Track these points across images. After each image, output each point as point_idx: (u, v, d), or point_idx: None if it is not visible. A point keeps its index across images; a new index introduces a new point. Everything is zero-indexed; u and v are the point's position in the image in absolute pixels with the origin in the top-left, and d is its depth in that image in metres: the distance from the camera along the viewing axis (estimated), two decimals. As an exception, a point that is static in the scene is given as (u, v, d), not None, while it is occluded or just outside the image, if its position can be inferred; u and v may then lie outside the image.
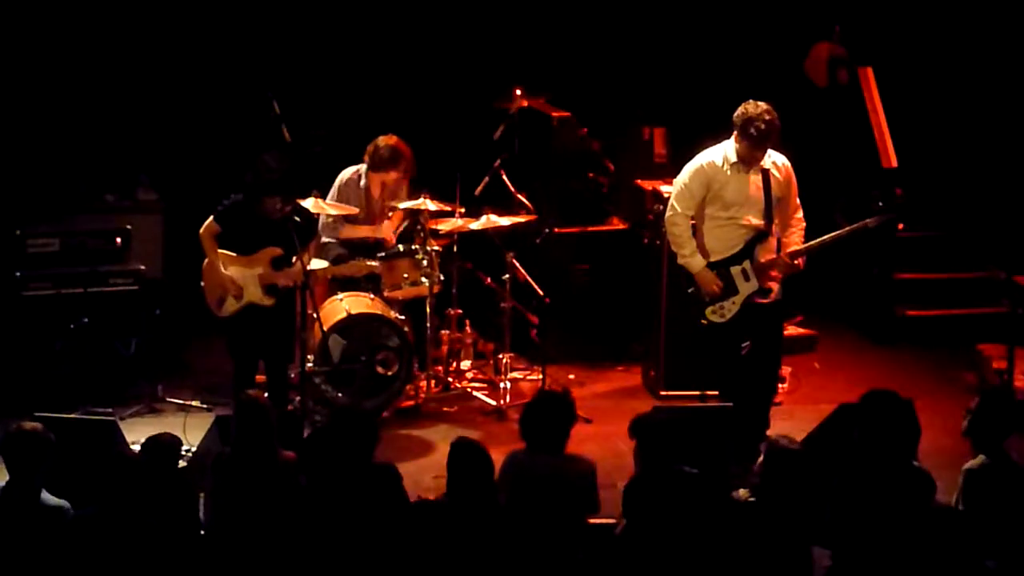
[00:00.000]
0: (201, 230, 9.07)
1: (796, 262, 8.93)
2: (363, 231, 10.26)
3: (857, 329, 11.81)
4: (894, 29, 12.18)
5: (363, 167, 10.34)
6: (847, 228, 9.03)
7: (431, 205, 10.04)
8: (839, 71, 12.12)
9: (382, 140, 10.25)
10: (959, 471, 6.94)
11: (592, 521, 6.99)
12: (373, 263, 9.75)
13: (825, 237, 9.00)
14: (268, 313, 9.04)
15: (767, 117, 8.73)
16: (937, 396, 10.07)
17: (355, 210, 10.22)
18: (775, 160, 8.96)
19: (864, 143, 11.87)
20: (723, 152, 8.92)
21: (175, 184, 11.30)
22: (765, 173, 8.89)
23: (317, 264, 9.55)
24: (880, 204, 10.16)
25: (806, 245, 8.96)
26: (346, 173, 10.39)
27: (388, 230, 10.37)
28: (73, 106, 11.42)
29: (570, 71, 12.00)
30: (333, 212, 10.08)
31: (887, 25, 12.18)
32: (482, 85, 11.70)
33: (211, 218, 9.06)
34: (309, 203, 9.75)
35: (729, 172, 8.88)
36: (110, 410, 9.36)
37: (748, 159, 8.84)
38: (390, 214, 10.38)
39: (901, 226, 9.98)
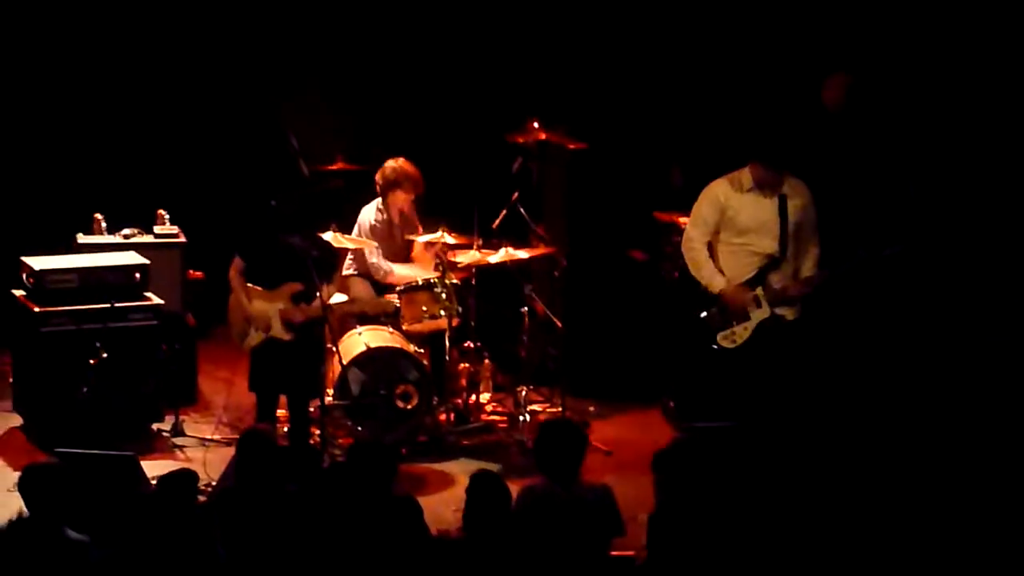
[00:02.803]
0: (230, 270, 9.24)
1: (806, 288, 8.90)
2: (408, 276, 10.28)
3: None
4: (906, 56, 12.16)
5: (379, 200, 10.39)
6: (852, 263, 9.00)
7: (449, 238, 10.08)
8: (854, 99, 12.08)
9: (388, 163, 10.32)
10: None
11: (613, 554, 7.00)
12: (395, 301, 9.77)
13: (839, 267, 8.99)
14: (288, 347, 9.10)
15: (781, 141, 8.79)
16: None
17: (373, 244, 10.26)
18: (794, 185, 8.96)
19: (891, 171, 11.82)
20: (739, 178, 8.96)
21: (194, 219, 11.35)
22: (782, 199, 8.91)
23: (338, 299, 9.60)
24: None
25: (815, 276, 8.94)
26: (368, 212, 10.43)
27: (428, 265, 10.40)
28: (92, 140, 11.49)
29: (591, 102, 12.02)
30: (350, 246, 10.13)
31: (900, 53, 12.17)
32: (499, 118, 11.75)
33: (236, 256, 9.20)
34: (328, 237, 9.81)
35: (744, 197, 8.89)
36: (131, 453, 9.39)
37: (766, 183, 8.86)
38: (414, 243, 10.44)
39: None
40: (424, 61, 12.09)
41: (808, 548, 6.62)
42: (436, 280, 10.02)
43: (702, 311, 9.02)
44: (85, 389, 9.71)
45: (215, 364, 10.92)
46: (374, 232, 10.38)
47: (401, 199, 10.33)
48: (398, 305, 9.85)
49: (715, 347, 8.98)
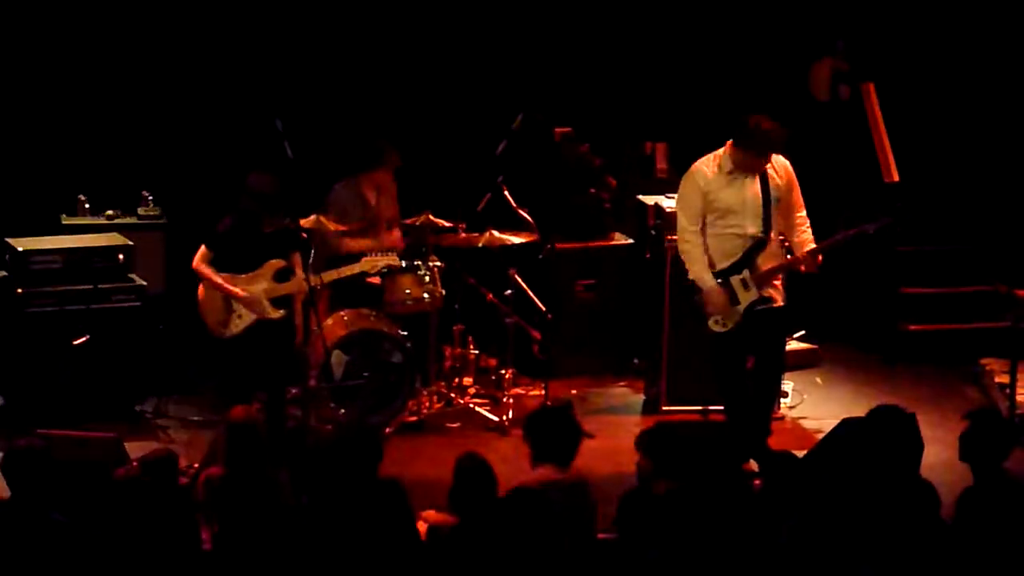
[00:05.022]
0: (195, 261, 9.10)
1: (818, 259, 8.82)
2: (365, 243, 10.22)
3: (859, 344, 11.79)
4: (896, 44, 12.18)
5: (352, 179, 10.33)
6: (847, 232, 8.94)
7: (434, 221, 10.06)
8: (841, 86, 12.12)
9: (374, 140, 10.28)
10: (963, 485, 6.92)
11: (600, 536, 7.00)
12: (390, 259, 9.66)
13: (831, 240, 8.94)
14: (276, 328, 9.05)
15: (773, 126, 8.68)
16: (941, 410, 10.06)
17: (353, 227, 10.19)
18: (772, 161, 8.84)
19: (866, 158, 11.87)
20: (716, 160, 8.85)
21: (177, 200, 11.30)
22: (763, 176, 8.79)
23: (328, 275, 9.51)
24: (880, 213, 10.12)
25: (821, 244, 8.84)
26: (339, 185, 10.38)
27: (396, 237, 10.34)
28: (75, 121, 11.42)
29: (571, 86, 12.00)
30: (341, 227, 10.07)
31: (889, 40, 12.18)
32: (483, 101, 11.71)
33: (203, 246, 9.09)
34: (309, 222, 9.75)
35: (724, 178, 8.80)
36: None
37: (748, 167, 8.77)
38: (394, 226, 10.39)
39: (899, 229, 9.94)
40: (408, 45, 12.03)
41: (787, 538, 6.58)
42: (420, 263, 9.98)
43: (694, 294, 8.93)
44: (68, 370, 9.65)
45: (201, 348, 10.85)
46: (344, 197, 10.28)
47: (382, 178, 10.28)
48: (391, 259, 9.67)
49: (705, 332, 8.88)
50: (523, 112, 10.53)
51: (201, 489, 7.19)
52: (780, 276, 8.92)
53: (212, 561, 6.86)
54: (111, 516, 6.61)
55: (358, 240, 10.23)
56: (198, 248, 9.13)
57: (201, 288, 9.17)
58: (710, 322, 8.86)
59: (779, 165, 8.89)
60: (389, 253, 9.77)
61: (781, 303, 8.93)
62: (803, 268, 8.83)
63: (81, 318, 9.82)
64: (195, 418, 9.99)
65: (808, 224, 8.94)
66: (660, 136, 11.83)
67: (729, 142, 8.80)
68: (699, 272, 8.87)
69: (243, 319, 9.08)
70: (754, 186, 8.79)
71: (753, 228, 8.81)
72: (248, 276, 9.09)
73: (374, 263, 9.54)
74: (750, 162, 8.73)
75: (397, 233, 10.39)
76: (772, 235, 8.86)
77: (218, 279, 9.02)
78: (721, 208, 8.81)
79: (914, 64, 12.18)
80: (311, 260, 9.48)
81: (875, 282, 11.78)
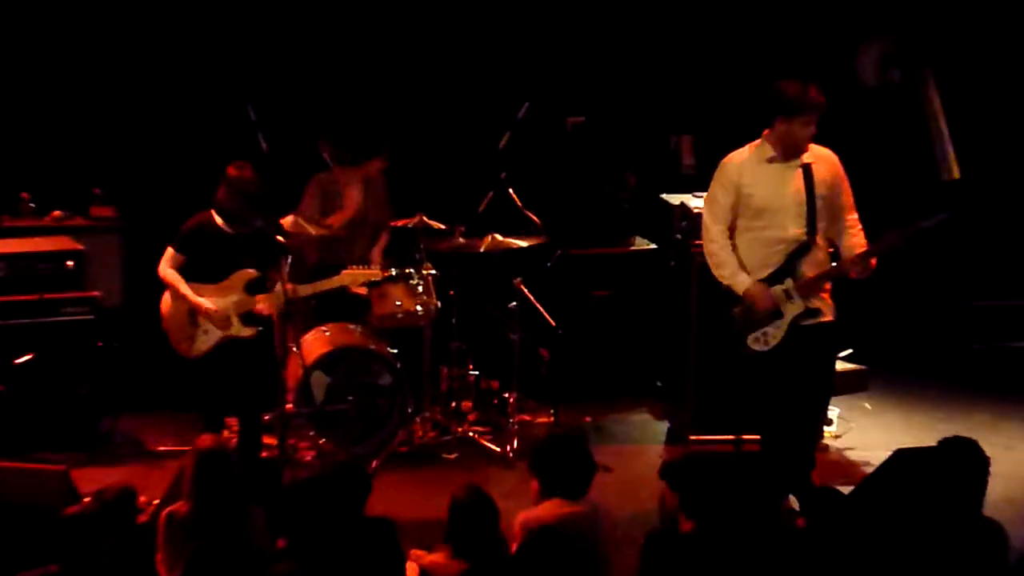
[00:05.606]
0: (160, 266, 9.09)
1: (871, 263, 8.67)
2: (312, 227, 10.12)
3: (914, 365, 11.80)
4: (956, 22, 12.19)
5: (335, 173, 10.39)
6: (903, 230, 8.82)
7: (428, 223, 10.09)
8: (892, 71, 12.14)
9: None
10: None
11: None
12: (373, 272, 9.70)
13: (885, 240, 8.78)
14: (247, 347, 9.08)
15: (808, 83, 8.62)
16: (1006, 440, 10.08)
17: (334, 229, 10.21)
18: (818, 153, 8.76)
19: (922, 152, 11.89)
20: (755, 148, 8.77)
21: (135, 199, 11.31)
22: (807, 170, 8.68)
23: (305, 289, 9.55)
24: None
25: (873, 246, 8.67)
26: (319, 176, 10.41)
27: (376, 253, 10.37)
28: (16, 110, 11.43)
29: (583, 70, 12.03)
30: (323, 231, 10.10)
31: (948, 17, 12.20)
32: (484, 87, 11.74)
33: (170, 248, 9.08)
34: (287, 222, 9.78)
35: (762, 170, 8.71)
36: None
37: (794, 144, 8.63)
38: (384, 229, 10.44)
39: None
40: (401, 23, 12.07)
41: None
42: (412, 270, 10.01)
43: (730, 309, 8.87)
44: (10, 393, 9.67)
45: (162, 366, 10.87)
46: (323, 186, 10.31)
47: (371, 169, 10.31)
48: (376, 272, 9.69)
49: (744, 351, 8.81)
50: (529, 100, 10.55)
51: (163, 528, 7.20)
52: (828, 286, 8.87)
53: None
54: (59, 560, 6.62)
55: (304, 223, 10.11)
56: (164, 251, 9.15)
57: (165, 298, 9.18)
58: (749, 340, 8.74)
59: (825, 159, 8.79)
60: (371, 266, 9.79)
61: (830, 317, 8.82)
62: (853, 273, 8.72)
63: (25, 333, 9.83)
64: (157, 448, 9.99)
65: (860, 228, 8.82)
66: (685, 128, 11.85)
67: (766, 131, 8.74)
68: (731, 273, 8.78)
69: (210, 336, 9.09)
70: (796, 180, 8.68)
71: (795, 229, 8.69)
72: (216, 287, 9.09)
73: (356, 277, 9.55)
74: (796, 135, 8.57)
75: (379, 245, 10.39)
76: (818, 238, 8.75)
77: (185, 288, 9.03)
78: (758, 205, 8.71)
79: (977, 44, 12.19)
80: (287, 269, 9.50)
81: (935, 293, 11.78)
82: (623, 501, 8.88)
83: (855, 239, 8.80)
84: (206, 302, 9.02)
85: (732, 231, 8.86)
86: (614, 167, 11.46)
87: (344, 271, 9.55)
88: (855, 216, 8.85)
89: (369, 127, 10.35)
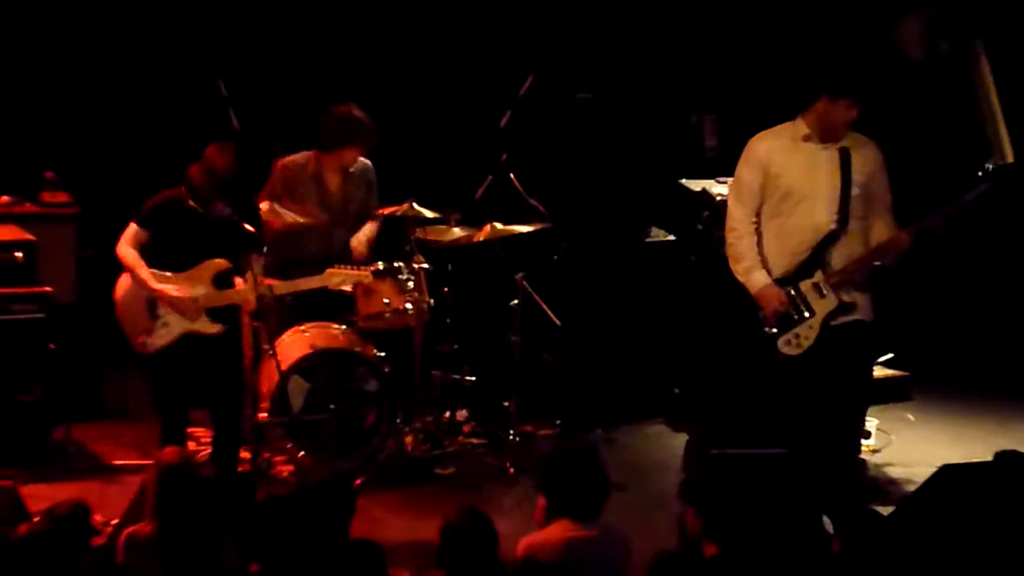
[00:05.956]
0: (120, 245, 9.03)
1: (903, 243, 8.70)
2: (292, 215, 10.09)
3: (966, 369, 11.79)
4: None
5: (310, 153, 10.37)
6: (943, 210, 8.81)
7: (419, 211, 10.07)
8: (940, 42, 12.13)
9: (336, 108, 10.24)
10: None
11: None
12: (360, 274, 9.69)
13: (922, 221, 8.78)
14: (212, 345, 9.05)
15: (867, 70, 8.64)
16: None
17: (321, 218, 10.22)
18: (858, 139, 8.81)
19: (972, 133, 11.88)
20: (789, 128, 8.81)
21: (92, 183, 11.30)
22: (844, 153, 8.73)
23: (283, 287, 9.53)
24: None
25: (910, 228, 8.71)
26: (289, 158, 10.39)
27: (360, 245, 10.36)
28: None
29: (593, 42, 12.02)
30: (300, 219, 10.09)
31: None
32: (484, 61, 11.73)
33: (133, 224, 9.01)
34: (264, 210, 9.77)
35: (794, 150, 8.75)
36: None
37: (831, 127, 8.66)
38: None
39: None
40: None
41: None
42: (401, 264, 10.00)
43: (757, 312, 8.86)
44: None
45: (122, 370, 10.87)
46: (291, 174, 10.31)
47: (350, 158, 10.29)
48: (365, 273, 9.68)
49: (777, 356, 8.80)
50: (533, 74, 10.55)
51: (123, 551, 7.19)
52: (864, 279, 8.86)
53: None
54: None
55: (279, 211, 10.12)
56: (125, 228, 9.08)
57: (121, 283, 9.13)
58: (780, 343, 8.80)
59: (866, 146, 8.83)
60: (360, 267, 9.75)
61: (867, 316, 8.85)
62: (887, 259, 8.75)
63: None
64: (115, 461, 9.98)
65: (892, 227, 8.83)
66: (708, 106, 11.84)
67: (821, 96, 8.74)
68: (747, 269, 8.83)
69: (171, 329, 9.05)
70: (831, 164, 8.73)
71: (826, 217, 8.73)
72: (182, 276, 9.05)
73: (341, 278, 9.54)
74: (835, 118, 8.62)
75: (363, 236, 10.39)
76: (850, 227, 8.76)
77: (145, 272, 8.98)
78: (787, 189, 8.75)
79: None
80: (260, 260, 9.48)
81: (987, 292, 11.77)
82: (639, 523, 8.83)
83: (884, 231, 8.81)
84: (171, 288, 8.98)
85: (758, 218, 8.88)
86: (626, 149, 11.45)
87: (329, 269, 9.55)
88: (890, 218, 8.85)
89: (341, 116, 10.28)
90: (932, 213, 8.66)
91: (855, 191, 8.72)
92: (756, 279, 8.80)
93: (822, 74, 8.65)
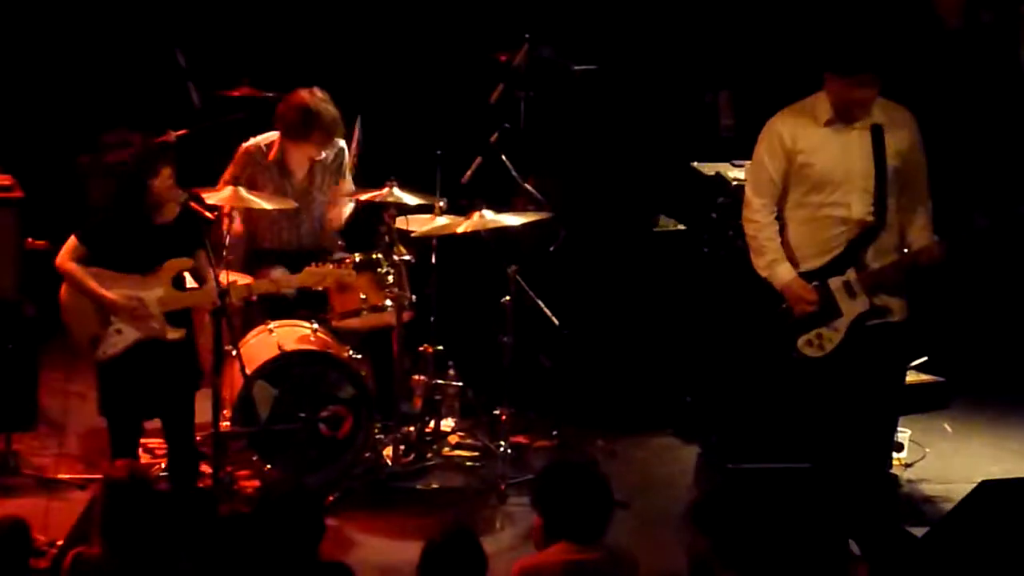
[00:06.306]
0: (59, 258, 9.07)
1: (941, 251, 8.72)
2: (255, 202, 10.04)
3: (1010, 376, 11.80)
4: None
5: (275, 136, 10.40)
6: (988, 224, 8.84)
7: (401, 197, 10.06)
8: (981, 10, 12.13)
9: (296, 95, 10.27)
10: None
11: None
12: (342, 273, 9.67)
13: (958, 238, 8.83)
14: (168, 351, 9.05)
15: (877, 40, 8.63)
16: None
17: (291, 204, 10.23)
18: (892, 112, 8.80)
19: (1016, 110, 11.88)
20: (812, 106, 8.81)
21: (37, 165, 11.28)
22: (877, 131, 8.72)
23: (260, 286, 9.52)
24: None
25: (957, 235, 8.75)
26: (252, 141, 10.41)
27: (336, 213, 10.39)
28: None
29: (599, 8, 12.02)
30: (268, 206, 10.08)
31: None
32: (473, 27, 11.72)
33: (73, 238, 9.07)
34: (225, 195, 9.76)
35: (821, 133, 8.75)
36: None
37: (847, 107, 8.67)
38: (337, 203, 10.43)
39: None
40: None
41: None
42: (380, 256, 9.99)
43: (777, 307, 8.86)
44: None
45: (63, 372, 10.87)
46: (250, 159, 10.31)
47: (312, 150, 10.30)
48: (348, 273, 9.69)
49: (794, 356, 8.82)
50: (528, 42, 10.54)
51: (68, 575, 7.19)
52: (900, 280, 8.86)
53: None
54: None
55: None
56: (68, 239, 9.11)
57: (64, 290, 9.15)
58: (800, 343, 8.81)
59: (900, 121, 8.81)
60: (342, 262, 9.76)
61: (901, 317, 8.88)
62: (923, 258, 8.77)
63: None
64: (59, 475, 9.96)
65: (929, 216, 8.86)
66: (724, 82, 11.83)
67: (826, 76, 8.74)
68: (769, 263, 8.84)
69: (125, 336, 9.07)
70: (863, 146, 8.71)
71: (861, 208, 8.73)
72: (139, 278, 9.06)
73: (320, 277, 9.55)
74: (849, 97, 8.63)
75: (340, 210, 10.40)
76: (888, 219, 8.76)
77: (90, 283, 9.00)
78: (817, 177, 8.75)
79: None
80: (225, 254, 9.48)
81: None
82: (645, 545, 8.84)
83: (919, 222, 8.85)
84: (113, 294, 8.98)
85: (781, 208, 8.89)
86: (633, 129, 11.44)
87: (307, 268, 9.56)
88: (926, 214, 8.87)
89: (299, 107, 10.27)
90: (967, 228, 8.71)
91: (891, 175, 8.72)
92: (782, 273, 8.81)
93: (822, 48, 8.67)
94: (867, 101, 8.67)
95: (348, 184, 10.49)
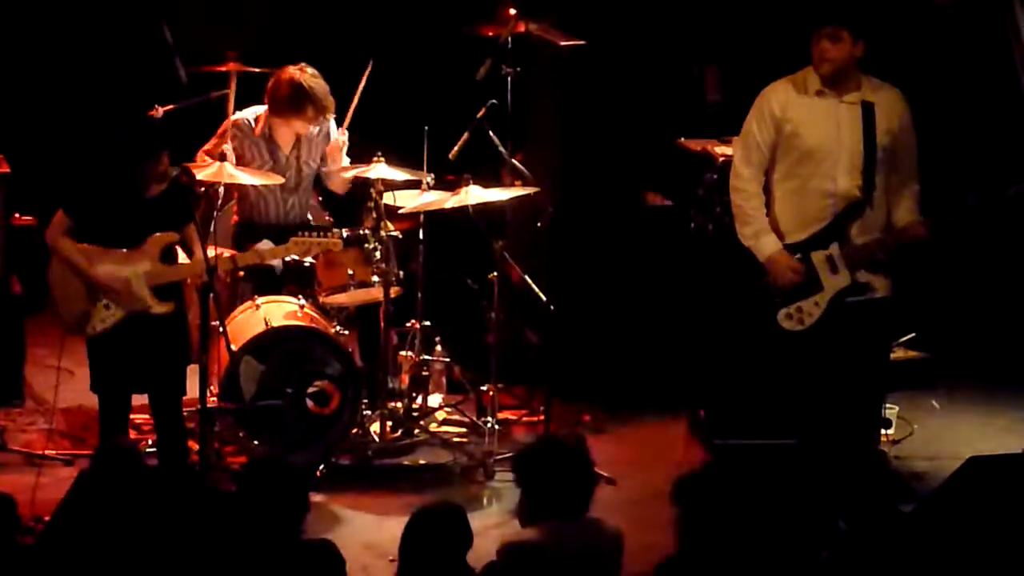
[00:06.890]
0: (49, 234, 9.05)
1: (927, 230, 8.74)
2: (242, 176, 10.06)
3: (999, 352, 11.79)
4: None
5: (262, 110, 10.41)
6: (977, 201, 8.83)
7: (387, 172, 10.03)
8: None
9: (286, 72, 10.26)
10: None
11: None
12: (331, 242, 9.64)
13: (943, 218, 8.83)
14: (158, 325, 9.03)
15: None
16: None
17: (279, 179, 10.22)
18: (882, 92, 8.83)
19: (1008, 89, 11.84)
20: (803, 78, 8.81)
21: (24, 139, 11.26)
22: (867, 108, 8.74)
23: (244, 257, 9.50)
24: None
25: (942, 216, 8.76)
26: (238, 115, 10.41)
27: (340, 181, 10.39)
28: None
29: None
30: (257, 182, 10.06)
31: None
32: (463, 3, 11.70)
33: (60, 212, 9.03)
34: (211, 171, 9.74)
35: (810, 104, 8.76)
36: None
37: (831, 76, 8.68)
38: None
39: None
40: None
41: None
42: (368, 232, 9.98)
43: (757, 280, 8.86)
44: None
45: (50, 348, 10.85)
46: (240, 132, 10.32)
47: (299, 127, 10.29)
48: (336, 242, 9.66)
49: (773, 330, 8.83)
50: (516, 15, 10.51)
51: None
52: (883, 258, 8.85)
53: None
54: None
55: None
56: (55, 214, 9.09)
57: (53, 266, 9.12)
58: (780, 316, 8.83)
59: (891, 100, 8.83)
60: (331, 233, 9.73)
61: (884, 293, 8.88)
62: (908, 237, 8.77)
63: None
64: (45, 451, 9.93)
65: (916, 196, 8.87)
66: (711, 56, 11.80)
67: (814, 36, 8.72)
68: (755, 233, 8.84)
69: (113, 312, 9.05)
70: (853, 120, 8.73)
71: (848, 182, 8.74)
72: (126, 253, 9.03)
73: (306, 247, 9.52)
74: (817, 51, 8.61)
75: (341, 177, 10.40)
76: (875, 195, 8.77)
77: (79, 259, 8.98)
78: (805, 148, 8.76)
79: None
80: (212, 228, 9.45)
81: (1020, 262, 11.76)
82: (632, 523, 8.81)
83: (905, 204, 8.86)
84: (99, 272, 8.97)
85: (769, 180, 8.90)
86: (621, 104, 11.41)
87: (293, 238, 9.51)
88: (914, 194, 8.88)
89: (289, 83, 10.24)
90: (955, 207, 8.69)
91: (880, 154, 8.74)
92: (765, 244, 8.82)
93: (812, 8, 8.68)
94: (834, 57, 8.68)
95: (342, 138, 10.47)
